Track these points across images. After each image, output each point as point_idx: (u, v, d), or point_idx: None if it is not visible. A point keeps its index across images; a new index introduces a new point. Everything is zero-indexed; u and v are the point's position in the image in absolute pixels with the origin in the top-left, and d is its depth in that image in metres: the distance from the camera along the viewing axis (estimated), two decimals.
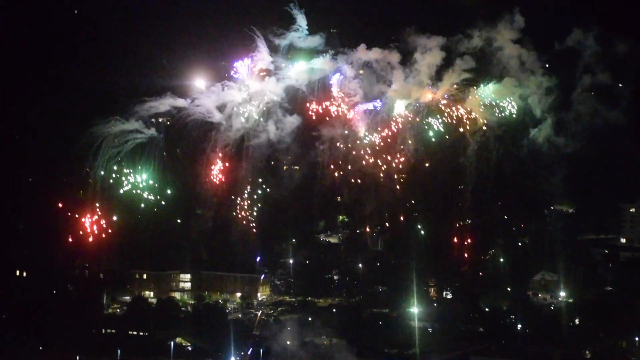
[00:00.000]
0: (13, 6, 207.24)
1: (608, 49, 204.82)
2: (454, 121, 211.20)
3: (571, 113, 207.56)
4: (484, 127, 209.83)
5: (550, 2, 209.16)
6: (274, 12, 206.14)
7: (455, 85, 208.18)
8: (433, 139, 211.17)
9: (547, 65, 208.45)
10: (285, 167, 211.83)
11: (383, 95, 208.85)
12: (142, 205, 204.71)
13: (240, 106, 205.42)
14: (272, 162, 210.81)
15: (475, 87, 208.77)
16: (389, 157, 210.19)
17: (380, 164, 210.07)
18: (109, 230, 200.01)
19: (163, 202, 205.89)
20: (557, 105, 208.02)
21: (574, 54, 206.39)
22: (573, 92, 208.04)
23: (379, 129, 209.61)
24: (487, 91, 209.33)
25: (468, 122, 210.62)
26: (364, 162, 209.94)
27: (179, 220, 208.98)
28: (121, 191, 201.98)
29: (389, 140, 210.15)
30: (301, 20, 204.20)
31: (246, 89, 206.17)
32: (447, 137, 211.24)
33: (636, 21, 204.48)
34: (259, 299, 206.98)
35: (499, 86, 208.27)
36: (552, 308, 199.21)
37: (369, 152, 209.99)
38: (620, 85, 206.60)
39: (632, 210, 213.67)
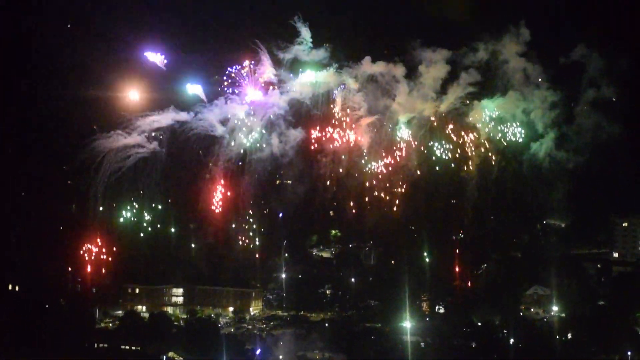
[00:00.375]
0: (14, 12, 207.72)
1: (607, 64, 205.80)
2: (457, 137, 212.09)
3: (568, 128, 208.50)
4: (486, 143, 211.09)
5: (553, 17, 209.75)
6: (279, 26, 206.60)
7: (460, 99, 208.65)
8: (434, 157, 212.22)
9: (540, 80, 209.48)
10: (278, 182, 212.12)
11: (387, 109, 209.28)
12: (139, 221, 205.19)
13: (242, 120, 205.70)
14: (272, 177, 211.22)
15: (479, 101, 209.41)
16: (390, 176, 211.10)
17: (379, 178, 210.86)
18: (103, 245, 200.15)
19: (160, 217, 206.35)
20: (556, 120, 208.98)
21: (570, 70, 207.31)
22: (572, 107, 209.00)
23: (382, 149, 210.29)
24: (491, 105, 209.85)
25: (471, 139, 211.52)
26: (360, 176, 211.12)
27: (172, 235, 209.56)
28: (119, 209, 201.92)
29: (390, 166, 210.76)
30: (305, 34, 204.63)
31: (249, 102, 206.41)
32: (449, 153, 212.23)
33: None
34: (252, 314, 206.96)
35: (503, 100, 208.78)
36: (545, 323, 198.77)
37: (370, 171, 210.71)
38: (615, 100, 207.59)
39: (625, 224, 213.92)
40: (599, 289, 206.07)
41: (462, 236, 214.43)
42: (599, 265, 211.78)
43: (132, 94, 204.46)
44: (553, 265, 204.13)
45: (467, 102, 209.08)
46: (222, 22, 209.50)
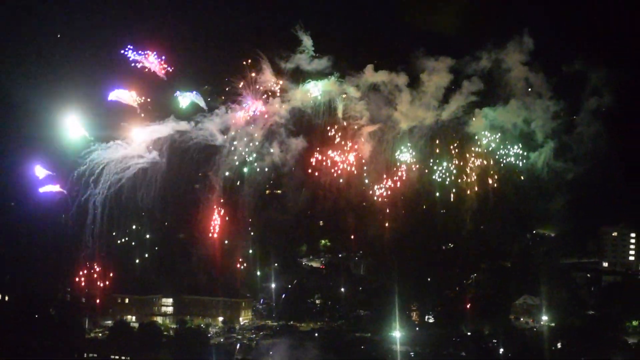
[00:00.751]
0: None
1: (605, 76, 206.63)
2: (456, 148, 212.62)
3: (561, 139, 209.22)
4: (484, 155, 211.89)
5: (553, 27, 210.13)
6: (280, 35, 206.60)
7: (462, 108, 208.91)
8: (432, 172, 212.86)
9: (531, 90, 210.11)
10: (268, 191, 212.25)
11: (389, 118, 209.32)
12: (133, 232, 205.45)
13: (242, 129, 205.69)
14: (264, 187, 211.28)
15: (480, 109, 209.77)
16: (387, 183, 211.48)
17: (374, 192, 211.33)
18: (95, 256, 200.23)
19: (153, 228, 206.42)
20: (550, 132, 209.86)
21: (565, 81, 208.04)
22: (565, 119, 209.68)
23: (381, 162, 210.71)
24: (491, 114, 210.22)
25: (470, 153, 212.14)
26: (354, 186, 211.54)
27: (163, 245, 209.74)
28: (113, 221, 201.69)
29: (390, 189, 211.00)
30: (307, 42, 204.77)
31: (249, 111, 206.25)
32: (446, 166, 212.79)
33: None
34: (241, 323, 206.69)
35: (503, 109, 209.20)
36: (535, 332, 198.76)
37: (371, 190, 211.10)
38: (606, 112, 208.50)
39: (614, 234, 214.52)
40: (589, 298, 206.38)
41: (451, 246, 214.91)
42: (588, 275, 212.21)
43: (131, 103, 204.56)
44: (543, 274, 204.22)
45: (469, 111, 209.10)
46: (223, 32, 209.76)
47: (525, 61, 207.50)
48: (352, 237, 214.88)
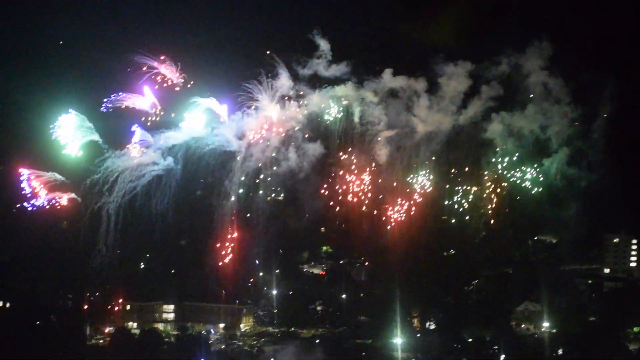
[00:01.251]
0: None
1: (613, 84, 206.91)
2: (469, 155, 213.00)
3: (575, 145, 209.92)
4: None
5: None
6: (297, 39, 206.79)
7: (480, 113, 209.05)
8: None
9: (532, 96, 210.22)
10: (269, 198, 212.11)
11: (407, 124, 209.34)
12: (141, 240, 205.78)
13: (258, 135, 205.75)
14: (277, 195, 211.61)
15: (497, 114, 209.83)
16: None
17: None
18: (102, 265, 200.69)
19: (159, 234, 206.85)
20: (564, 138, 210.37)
21: (573, 89, 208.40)
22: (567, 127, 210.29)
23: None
24: (508, 119, 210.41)
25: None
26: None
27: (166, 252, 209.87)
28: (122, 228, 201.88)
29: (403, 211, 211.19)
30: (324, 47, 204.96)
31: (266, 117, 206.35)
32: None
33: None
34: (242, 330, 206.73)
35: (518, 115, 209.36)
36: (536, 339, 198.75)
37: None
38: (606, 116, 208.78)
39: (616, 240, 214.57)
40: (590, 304, 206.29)
41: (453, 252, 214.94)
42: (589, 281, 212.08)
43: (147, 110, 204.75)
44: (544, 281, 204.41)
45: (486, 117, 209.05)
46: (240, 37, 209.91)
47: (539, 68, 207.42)
48: (354, 243, 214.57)
